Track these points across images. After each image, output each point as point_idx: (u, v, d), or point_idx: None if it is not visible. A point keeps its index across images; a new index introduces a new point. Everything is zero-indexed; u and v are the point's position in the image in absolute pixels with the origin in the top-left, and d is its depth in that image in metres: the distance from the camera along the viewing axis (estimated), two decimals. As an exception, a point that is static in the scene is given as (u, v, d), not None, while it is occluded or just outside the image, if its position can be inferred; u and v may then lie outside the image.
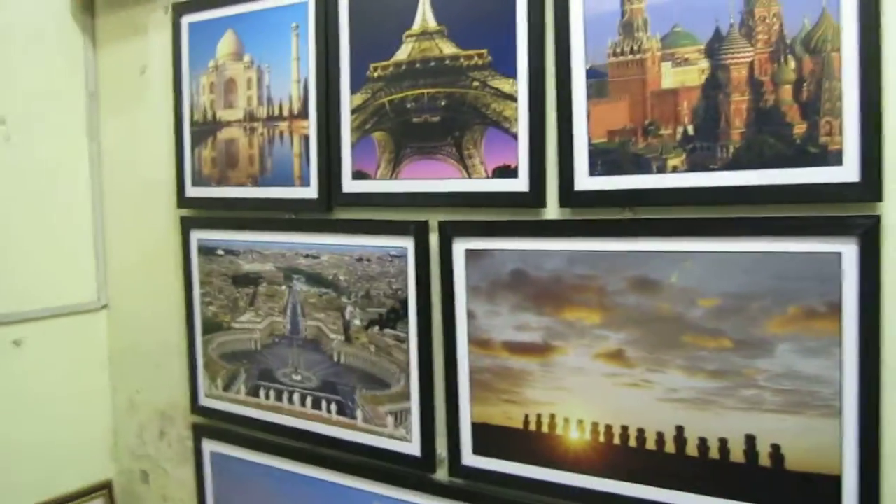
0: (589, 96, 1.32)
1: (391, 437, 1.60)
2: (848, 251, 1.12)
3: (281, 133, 1.72)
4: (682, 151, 1.24)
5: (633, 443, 1.31)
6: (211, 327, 1.90)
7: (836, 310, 1.14)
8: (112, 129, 2.14)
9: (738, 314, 1.20)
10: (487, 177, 1.44)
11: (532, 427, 1.42)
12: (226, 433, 1.91)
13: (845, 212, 1.13)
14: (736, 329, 1.21)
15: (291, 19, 1.69)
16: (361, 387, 1.63)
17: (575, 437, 1.37)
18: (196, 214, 1.92)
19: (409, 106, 1.52)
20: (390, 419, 1.60)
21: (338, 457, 1.70)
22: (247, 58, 1.78)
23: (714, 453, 1.24)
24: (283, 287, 1.74)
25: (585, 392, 1.35)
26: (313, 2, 1.65)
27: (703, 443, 1.25)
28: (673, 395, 1.27)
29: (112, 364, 2.20)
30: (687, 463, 1.26)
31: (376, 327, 1.60)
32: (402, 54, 1.53)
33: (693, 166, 1.22)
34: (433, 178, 1.50)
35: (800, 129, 1.14)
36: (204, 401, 1.94)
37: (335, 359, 1.67)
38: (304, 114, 1.68)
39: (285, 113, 1.71)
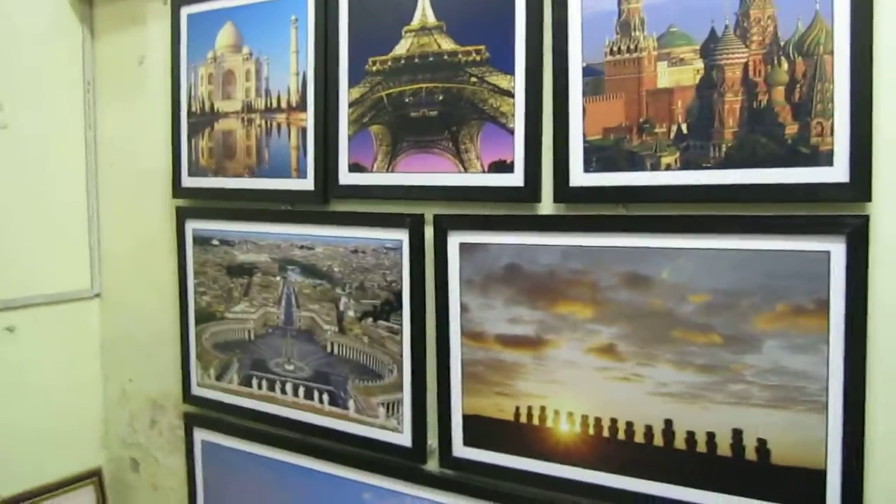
0: (585, 94, 1.34)
1: (383, 427, 1.62)
2: (836, 250, 1.14)
3: (279, 125, 1.73)
4: (675, 149, 1.26)
5: (622, 435, 1.33)
6: (204, 317, 1.90)
7: (823, 307, 1.16)
8: (109, 118, 2.14)
9: (727, 310, 1.23)
10: (483, 171, 1.46)
11: (523, 419, 1.43)
12: (217, 422, 1.92)
13: (834, 211, 1.15)
14: (725, 325, 1.23)
15: (291, 12, 1.70)
16: (354, 377, 1.65)
17: (565, 429, 1.39)
18: (192, 204, 1.93)
19: (406, 100, 1.54)
20: (382, 410, 1.62)
21: (329, 447, 1.71)
22: (245, 50, 1.79)
23: (701, 447, 1.26)
24: (278, 278, 1.75)
25: (576, 385, 1.37)
26: (313, -5, 1.67)
27: (690, 436, 1.27)
28: (662, 389, 1.29)
29: (104, 352, 2.20)
30: (675, 456, 1.28)
31: (370, 319, 1.61)
32: (401, 49, 1.54)
33: (686, 164, 1.25)
34: (429, 171, 1.52)
35: (791, 129, 1.16)
36: (196, 390, 1.95)
37: (328, 349, 1.68)
38: (302, 106, 1.69)
39: (283, 105, 1.72)
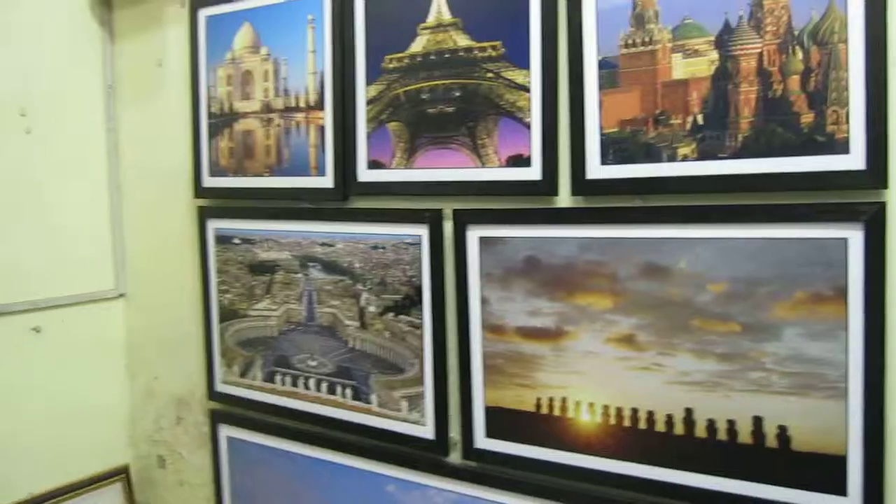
0: (601, 87, 1.35)
1: (405, 420, 1.64)
2: (854, 237, 1.15)
3: (297, 124, 1.75)
4: (692, 140, 1.27)
5: (643, 425, 1.35)
6: (227, 315, 1.93)
7: (842, 294, 1.17)
8: (130, 120, 2.17)
9: (746, 299, 1.24)
10: (501, 166, 1.47)
11: (544, 410, 1.45)
12: (242, 418, 1.95)
13: (851, 198, 1.16)
14: (744, 313, 1.24)
15: (307, 12, 1.72)
16: (376, 372, 1.67)
17: (586, 419, 1.41)
18: (213, 204, 1.96)
19: (423, 97, 1.55)
20: (404, 403, 1.64)
21: (353, 441, 1.73)
22: (263, 50, 1.81)
23: (722, 434, 1.27)
24: (299, 275, 1.77)
25: (597, 375, 1.39)
26: (329, -5, 1.69)
27: (711, 424, 1.28)
28: (682, 378, 1.30)
29: (129, 351, 2.24)
30: (696, 444, 1.29)
31: (391, 313, 1.63)
32: (417, 46, 1.56)
33: (703, 155, 1.26)
34: (447, 167, 1.53)
35: (807, 118, 1.17)
36: (220, 387, 1.98)
37: (350, 345, 1.70)
38: (320, 105, 1.71)
39: (301, 104, 1.74)
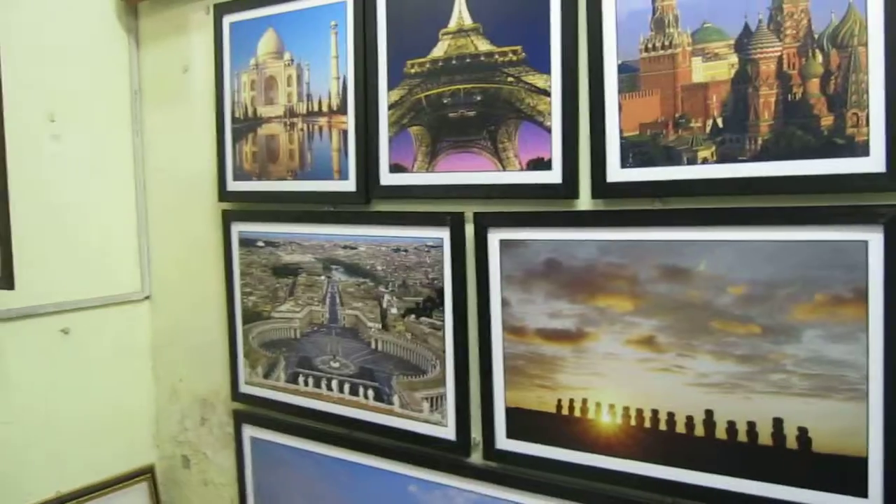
0: (621, 90, 1.36)
1: (427, 421, 1.65)
2: (874, 239, 1.15)
3: (320, 128, 1.78)
4: (711, 143, 1.28)
5: (663, 426, 1.35)
6: (251, 317, 1.96)
7: (862, 296, 1.17)
8: (155, 126, 2.21)
9: (766, 301, 1.24)
10: (522, 169, 1.49)
11: (565, 411, 1.46)
12: (265, 419, 1.97)
13: (871, 201, 1.16)
14: (764, 315, 1.24)
15: (330, 18, 1.75)
16: (398, 373, 1.69)
17: (606, 420, 1.41)
18: (237, 208, 1.99)
19: (445, 101, 1.57)
20: (426, 404, 1.65)
21: (375, 441, 1.75)
22: (287, 56, 1.84)
23: (742, 436, 1.27)
24: (322, 277, 1.80)
25: (617, 377, 1.39)
26: (352, 1, 1.70)
27: (731, 426, 1.28)
28: (702, 380, 1.31)
29: (155, 353, 2.27)
30: (716, 446, 1.30)
31: (413, 315, 1.65)
32: (439, 51, 1.58)
33: (723, 158, 1.26)
34: (469, 170, 1.55)
35: (827, 121, 1.17)
36: (244, 388, 2.00)
37: (373, 346, 1.72)
38: (342, 109, 1.73)
39: (324, 109, 1.77)
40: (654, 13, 1.32)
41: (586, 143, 1.41)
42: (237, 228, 1.97)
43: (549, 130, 1.45)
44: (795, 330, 1.22)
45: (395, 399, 1.70)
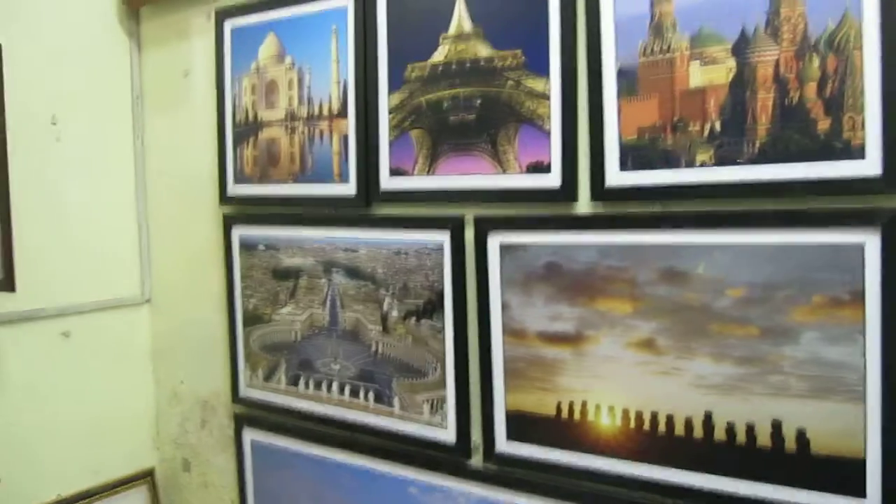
0: (619, 95, 1.37)
1: (427, 424, 1.66)
2: (871, 241, 1.16)
3: (321, 132, 1.79)
4: (709, 147, 1.28)
5: (662, 428, 1.36)
6: (252, 320, 1.97)
7: (859, 298, 1.18)
8: (156, 129, 2.22)
9: (764, 303, 1.25)
10: (521, 173, 1.50)
11: (564, 414, 1.47)
12: (266, 422, 1.98)
13: (868, 204, 1.17)
14: (762, 317, 1.25)
15: (331, 22, 1.76)
16: (398, 376, 1.69)
17: (606, 423, 1.42)
18: (238, 211, 2.00)
19: (445, 105, 1.58)
20: (426, 407, 1.66)
21: (375, 444, 1.76)
22: (288, 60, 1.85)
23: (741, 438, 1.28)
24: (323, 280, 1.81)
25: (617, 380, 1.40)
26: (352, 5, 1.72)
27: (730, 428, 1.29)
28: (701, 382, 1.31)
29: (155, 356, 2.28)
30: (715, 447, 1.31)
31: (413, 318, 1.66)
32: (439, 55, 1.59)
33: (721, 161, 1.27)
34: (469, 174, 1.56)
35: (824, 124, 1.18)
36: (245, 391, 2.01)
37: (373, 349, 1.73)
38: (343, 113, 1.74)
39: (325, 112, 1.78)
40: (652, 18, 1.33)
41: (585, 147, 1.42)
42: (238, 232, 1.97)
43: (548, 134, 1.46)
44: (793, 332, 1.23)
45: (396, 401, 1.70)
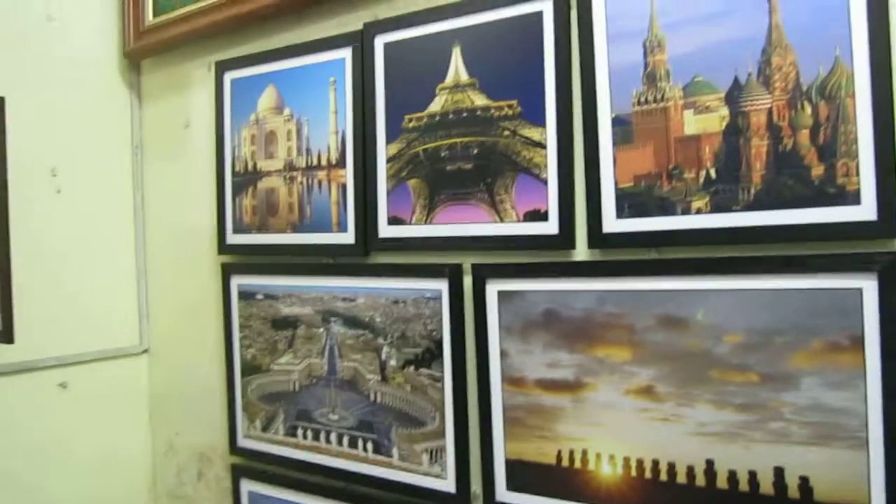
0: (615, 143, 1.39)
1: (426, 474, 1.64)
2: (868, 286, 1.16)
3: (319, 182, 1.80)
4: (705, 194, 1.29)
5: (664, 477, 1.35)
6: (250, 369, 1.96)
7: (858, 344, 1.17)
8: (156, 179, 2.24)
9: (763, 349, 1.25)
10: (519, 221, 1.50)
11: (565, 463, 1.45)
12: (263, 473, 1.96)
13: (865, 249, 1.17)
14: (762, 363, 1.25)
15: (329, 74, 1.78)
16: (397, 425, 1.68)
17: (607, 471, 1.41)
18: (236, 260, 2.00)
19: (442, 154, 1.60)
20: (426, 457, 1.64)
21: (374, 495, 1.73)
22: (287, 111, 1.87)
23: (744, 486, 1.27)
24: (321, 329, 1.80)
25: (617, 427, 1.39)
26: (350, 57, 1.74)
27: (732, 476, 1.28)
28: (702, 429, 1.30)
29: (152, 406, 2.26)
30: (717, 496, 1.29)
31: (412, 367, 1.65)
32: (436, 106, 1.61)
33: (716, 208, 1.28)
34: (466, 222, 1.57)
35: (818, 170, 1.20)
36: (242, 441, 1.99)
37: (372, 398, 1.72)
38: (341, 163, 1.76)
39: (324, 163, 1.79)
40: (645, 68, 1.35)
41: (582, 195, 1.43)
42: (236, 281, 1.98)
43: (545, 182, 1.47)
44: (793, 378, 1.22)
45: (395, 451, 1.69)
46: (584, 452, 1.43)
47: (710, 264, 1.30)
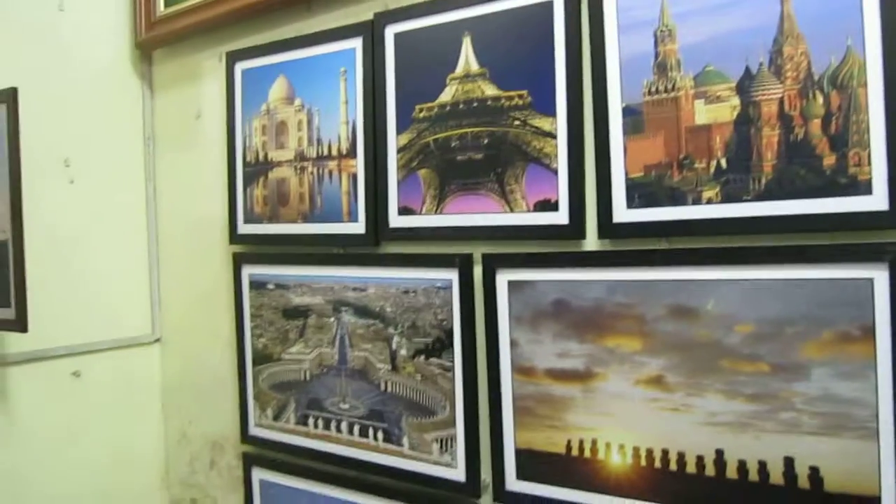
0: (625, 133, 1.39)
1: (437, 463, 1.65)
2: (879, 277, 1.16)
3: (330, 172, 1.80)
4: (716, 184, 1.29)
5: (673, 466, 1.35)
6: (261, 359, 1.97)
7: (869, 334, 1.17)
8: (168, 170, 2.25)
9: (773, 339, 1.24)
10: (529, 210, 1.50)
11: (574, 452, 1.46)
12: (275, 462, 1.97)
13: (875, 239, 1.17)
14: (772, 354, 1.25)
15: (340, 64, 1.78)
16: (408, 414, 1.69)
17: (616, 461, 1.41)
18: (248, 250, 2.01)
19: (453, 144, 1.60)
20: (436, 446, 1.65)
21: (384, 483, 1.74)
22: (297, 101, 1.87)
23: (753, 476, 1.27)
24: (332, 319, 1.81)
25: (626, 417, 1.39)
26: (361, 47, 1.75)
27: (742, 465, 1.28)
28: (712, 419, 1.30)
29: (165, 395, 2.28)
30: (727, 486, 1.29)
31: (422, 356, 1.66)
32: (446, 96, 1.61)
33: (727, 198, 1.28)
34: (476, 212, 1.57)
35: (829, 160, 1.19)
36: (254, 430, 2.00)
37: (382, 388, 1.73)
38: (352, 153, 1.76)
39: (334, 153, 1.80)
40: (656, 57, 1.35)
41: (592, 185, 1.43)
42: (248, 271, 1.99)
43: (555, 172, 1.47)
44: (804, 368, 1.22)
45: (405, 440, 1.70)
46: (594, 442, 1.43)
47: (721, 254, 1.30)
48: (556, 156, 1.47)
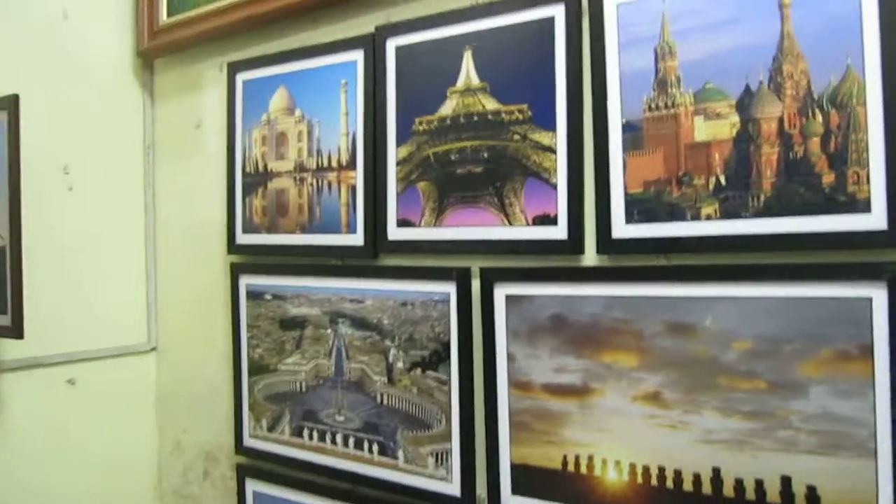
0: (625, 149, 1.39)
1: (431, 477, 1.64)
2: (878, 296, 1.16)
3: (329, 183, 1.80)
4: (715, 200, 1.29)
5: (670, 484, 1.34)
6: (257, 369, 1.96)
7: (868, 353, 1.17)
8: (167, 179, 2.25)
9: (771, 357, 1.24)
10: (528, 225, 1.50)
11: (571, 468, 1.45)
12: (269, 473, 1.96)
13: (874, 258, 1.17)
14: (770, 371, 1.24)
15: (341, 76, 1.79)
16: (403, 427, 1.68)
17: (613, 478, 1.40)
18: (246, 260, 2.01)
19: (452, 158, 1.60)
20: (431, 460, 1.64)
21: (379, 496, 1.73)
22: (298, 112, 1.88)
23: (750, 494, 1.26)
24: (329, 330, 1.80)
25: (623, 433, 1.39)
26: (362, 60, 1.75)
27: (739, 484, 1.27)
28: (709, 437, 1.30)
29: (159, 404, 2.27)
30: (724, 504, 1.29)
31: (419, 369, 1.65)
32: (447, 109, 1.61)
33: (726, 214, 1.28)
34: (475, 225, 1.57)
35: (828, 178, 1.19)
36: (248, 441, 1.99)
37: (378, 400, 1.72)
38: (352, 165, 1.76)
39: (334, 164, 1.80)
40: (656, 74, 1.35)
41: (591, 200, 1.43)
42: (245, 281, 1.98)
43: (554, 187, 1.47)
44: (802, 386, 1.22)
45: (400, 454, 1.69)
46: (591, 458, 1.43)
47: (719, 271, 1.29)
48: (555, 170, 1.47)
